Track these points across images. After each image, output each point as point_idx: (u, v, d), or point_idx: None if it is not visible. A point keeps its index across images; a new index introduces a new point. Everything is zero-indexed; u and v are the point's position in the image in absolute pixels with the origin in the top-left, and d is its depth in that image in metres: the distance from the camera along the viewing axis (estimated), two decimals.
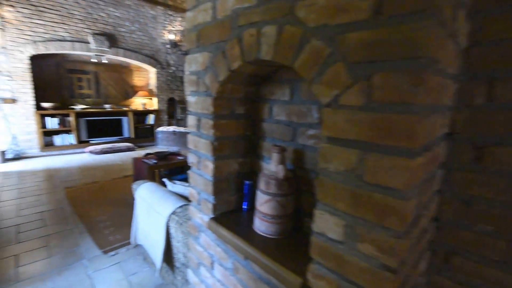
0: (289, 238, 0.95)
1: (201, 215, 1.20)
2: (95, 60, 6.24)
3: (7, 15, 4.97)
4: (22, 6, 5.10)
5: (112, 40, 6.19)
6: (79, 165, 5.11)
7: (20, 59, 5.17)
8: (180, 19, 7.28)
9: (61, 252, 2.35)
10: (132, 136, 6.85)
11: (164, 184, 2.29)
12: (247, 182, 1.16)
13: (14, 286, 1.93)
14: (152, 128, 7.24)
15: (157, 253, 1.72)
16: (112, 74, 6.69)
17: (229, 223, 1.06)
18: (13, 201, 3.39)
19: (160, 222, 1.67)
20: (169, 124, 7.54)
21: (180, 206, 1.64)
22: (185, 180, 3.77)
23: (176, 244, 1.56)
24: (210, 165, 1.10)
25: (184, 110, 7.67)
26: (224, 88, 1.04)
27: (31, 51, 5.26)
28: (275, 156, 0.95)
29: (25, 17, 5.15)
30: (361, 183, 0.65)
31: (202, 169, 1.16)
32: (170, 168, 3.67)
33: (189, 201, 1.76)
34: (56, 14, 5.45)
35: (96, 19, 5.96)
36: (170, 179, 3.45)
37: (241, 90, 1.11)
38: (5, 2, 4.93)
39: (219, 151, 1.10)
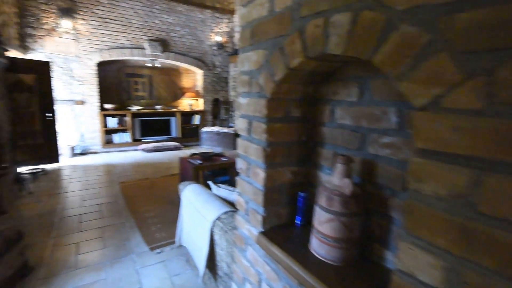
0: (355, 268, 0.78)
1: (249, 227, 1.09)
2: (150, 65, 6.62)
3: (80, 27, 5.50)
4: (92, 19, 5.60)
5: (164, 45, 6.51)
6: (132, 162, 5.45)
7: (89, 66, 5.69)
8: (226, 20, 7.38)
9: (114, 244, 2.46)
10: (179, 135, 7.13)
11: (209, 187, 2.25)
12: (301, 194, 1.02)
13: (74, 273, 2.05)
14: (197, 128, 7.45)
15: (200, 258, 1.67)
16: (164, 77, 7.04)
17: (281, 240, 0.93)
18: (78, 192, 3.70)
19: (205, 227, 1.61)
20: (213, 125, 7.70)
21: (225, 212, 1.56)
22: (229, 182, 3.75)
23: (220, 252, 1.48)
24: (261, 173, 0.99)
25: (228, 110, 7.76)
26: (280, 88, 0.91)
27: (98, 58, 5.75)
28: (339, 167, 0.79)
29: (94, 28, 5.65)
30: (475, 214, 0.47)
31: (252, 176, 1.05)
32: (214, 169, 3.67)
33: (234, 207, 1.67)
34: (118, 24, 5.90)
35: (151, 26, 6.31)
36: (214, 182, 3.45)
37: (299, 90, 0.98)
38: (78, 16, 5.46)
39: (271, 158, 0.98)
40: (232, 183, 3.70)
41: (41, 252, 2.28)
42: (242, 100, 1.09)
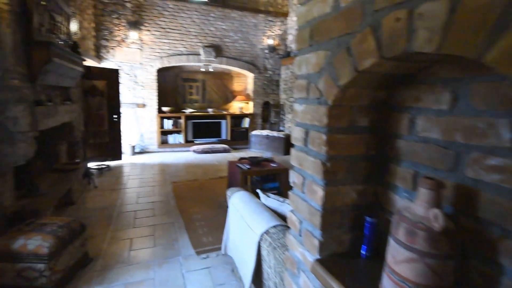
0: None
1: (303, 250, 0.97)
2: (203, 69, 6.92)
3: (144, 38, 6.02)
4: (155, 30, 6.09)
5: (218, 50, 6.74)
6: (184, 162, 5.72)
7: (151, 72, 6.18)
8: (279, 23, 7.35)
9: (163, 243, 2.54)
10: (228, 138, 7.29)
11: (257, 194, 2.17)
12: (368, 219, 0.86)
13: (126, 268, 2.16)
14: (246, 131, 7.53)
15: (246, 272, 1.59)
16: (216, 81, 7.30)
17: (343, 273, 0.79)
18: (135, 189, 3.99)
19: (251, 239, 1.53)
20: (263, 128, 7.69)
21: (275, 226, 1.46)
22: (277, 189, 3.65)
23: (268, 270, 1.38)
24: (319, 191, 0.86)
25: (278, 114, 7.68)
26: (344, 94, 0.78)
27: (158, 65, 6.22)
28: (425, 193, 0.63)
29: (156, 38, 6.13)
30: None
31: (308, 193, 0.93)
32: (262, 175, 3.61)
33: (285, 220, 1.56)
34: (177, 33, 6.30)
35: (207, 33, 6.60)
36: (262, 188, 3.38)
37: (367, 95, 0.83)
38: (144, 28, 5.98)
39: (332, 174, 0.85)
40: (281, 191, 3.59)
41: (100, 244, 2.47)
42: (298, 107, 0.98)
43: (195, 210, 3.32)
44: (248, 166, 3.37)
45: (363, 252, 0.88)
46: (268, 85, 7.58)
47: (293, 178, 1.03)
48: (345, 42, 0.74)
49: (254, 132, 7.14)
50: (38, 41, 2.19)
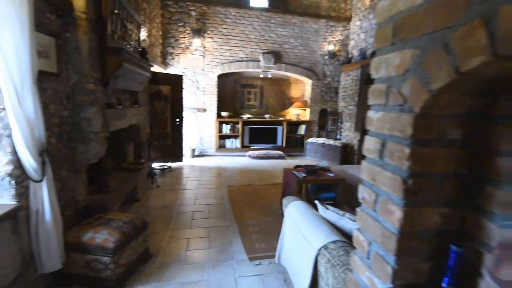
0: None
1: (370, 275, 0.87)
2: (262, 76, 7.06)
3: (207, 45, 6.44)
4: (217, 37, 6.46)
5: (277, 56, 6.81)
6: (239, 167, 5.87)
7: (211, 78, 6.56)
8: (341, 28, 7.09)
9: (217, 246, 2.62)
10: (284, 145, 7.25)
11: (313, 204, 2.08)
12: (454, 248, 0.73)
13: (182, 268, 2.27)
14: (302, 138, 7.40)
15: (300, 286, 1.52)
16: (274, 87, 7.36)
17: None
18: (193, 190, 4.23)
19: (308, 253, 1.46)
20: (319, 136, 7.47)
21: (334, 242, 1.36)
22: (333, 199, 3.47)
23: (324, 287, 1.29)
24: (397, 212, 0.76)
25: (336, 122, 7.38)
26: (437, 101, 0.68)
27: (219, 71, 6.57)
28: None
29: (218, 45, 6.50)
30: None
31: (381, 213, 0.84)
32: (318, 184, 3.48)
33: (346, 236, 1.45)
34: (238, 40, 6.57)
35: (267, 39, 6.73)
36: (318, 199, 3.25)
37: (463, 103, 0.71)
38: (206, 35, 6.40)
39: (413, 194, 0.74)
40: (336, 202, 3.40)
41: (160, 241, 2.66)
42: (374, 114, 0.89)
43: (249, 215, 3.36)
44: (304, 175, 3.28)
45: (444, 285, 0.75)
46: (326, 92, 7.35)
47: (363, 193, 0.94)
48: (441, 37, 0.64)
49: (309, 140, 6.98)
50: (111, 47, 2.39)
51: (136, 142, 4.03)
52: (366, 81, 6.17)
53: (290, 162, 6.47)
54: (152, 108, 5.27)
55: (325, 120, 7.48)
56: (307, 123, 7.32)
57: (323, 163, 5.62)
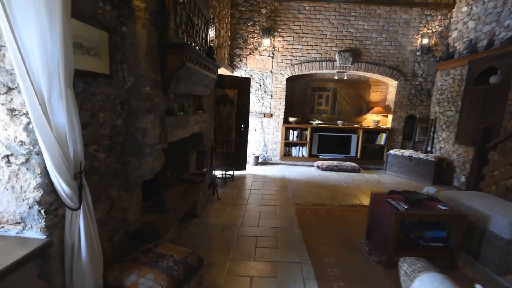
0: None
1: None
2: (336, 77, 6.21)
3: (277, 44, 5.92)
4: (288, 35, 5.89)
5: (356, 55, 5.89)
6: (307, 179, 5.16)
7: (280, 81, 6.01)
8: (440, 17, 5.75)
9: None
10: (358, 156, 6.25)
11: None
12: None
13: None
14: (381, 149, 6.28)
15: None
16: (349, 90, 6.42)
17: None
18: (256, 207, 3.70)
19: None
20: (403, 147, 6.23)
21: None
22: (445, 242, 2.50)
23: None
24: None
25: (426, 131, 6.04)
26: None
27: (289, 73, 5.98)
28: None
29: (289, 44, 5.91)
30: None
31: None
32: (421, 220, 2.56)
33: None
34: (311, 38, 5.88)
35: (345, 36, 5.87)
36: (421, 236, 2.35)
37: None
38: (277, 34, 5.88)
39: None
40: (449, 246, 2.44)
41: (218, 277, 2.17)
42: None
43: (325, 249, 2.65)
44: (405, 206, 2.41)
45: None
46: (415, 95, 6.07)
47: None
48: None
49: (392, 151, 5.84)
50: (173, 43, 2.00)
51: (199, 150, 3.70)
52: (475, 80, 4.80)
53: (367, 178, 5.47)
54: (217, 113, 4.97)
55: (413, 128, 6.20)
56: (389, 131, 6.17)
57: (408, 181, 4.49)
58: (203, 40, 3.02)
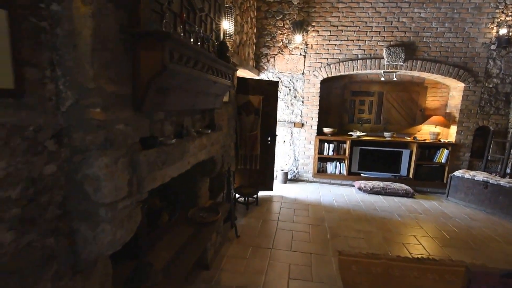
0: None
1: None
2: (383, 79, 5.15)
3: (310, 40, 5.02)
4: (324, 29, 4.97)
5: (409, 50, 4.81)
6: (348, 207, 4.18)
7: (313, 84, 5.10)
8: None
9: None
10: (411, 175, 5.13)
11: None
12: None
13: None
14: (442, 168, 5.10)
15: None
16: (399, 94, 5.32)
17: None
18: (284, 253, 2.83)
19: None
20: (471, 167, 5.00)
21: None
22: None
23: None
24: None
25: (503, 147, 4.78)
26: None
27: (324, 74, 5.05)
28: None
29: (325, 40, 4.99)
30: None
31: None
32: None
33: None
34: (352, 31, 4.91)
35: (396, 27, 4.81)
36: None
37: None
38: (311, 29, 4.98)
39: None
40: None
41: None
42: None
43: None
44: None
45: None
46: (489, 101, 4.84)
47: None
48: None
49: (458, 173, 4.66)
50: (148, 32, 1.23)
51: (213, 176, 2.92)
52: None
53: (425, 206, 4.36)
54: (239, 124, 4.19)
55: (484, 143, 4.96)
56: (452, 146, 4.98)
57: (482, 215, 3.39)
58: (213, 33, 2.23)
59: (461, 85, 4.89)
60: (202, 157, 2.15)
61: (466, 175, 4.55)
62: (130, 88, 1.27)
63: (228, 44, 2.47)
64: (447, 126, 5.12)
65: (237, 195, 4.06)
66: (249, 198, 4.06)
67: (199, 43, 1.87)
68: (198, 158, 2.05)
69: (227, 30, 3.01)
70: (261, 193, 4.51)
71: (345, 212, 4.02)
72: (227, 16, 2.84)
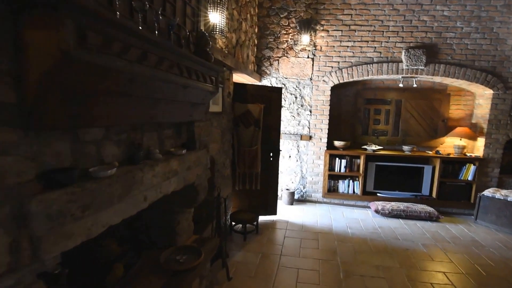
0: None
1: None
2: (402, 85, 4.84)
3: (319, 41, 4.70)
4: (335, 29, 4.64)
5: (431, 53, 4.50)
6: (364, 235, 3.82)
7: (323, 91, 4.76)
8: None
9: None
10: (433, 195, 4.79)
11: None
12: None
13: None
14: (468, 186, 4.78)
15: None
16: (418, 103, 5.01)
17: None
18: None
19: None
20: (501, 184, 4.69)
21: None
22: None
23: None
24: None
25: None
26: None
27: (334, 80, 4.72)
28: None
29: (335, 41, 4.67)
30: None
31: None
32: None
33: None
34: (366, 31, 4.59)
35: (416, 27, 4.51)
36: None
37: None
38: (320, 28, 4.66)
39: None
40: None
41: None
42: None
43: None
44: None
45: None
46: None
47: None
48: None
49: (487, 193, 4.33)
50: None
51: (195, 206, 2.54)
52: None
53: (453, 233, 4.03)
54: (236, 137, 3.84)
55: None
56: (479, 161, 4.66)
57: None
58: (189, 23, 1.89)
59: (489, 92, 4.58)
60: (172, 188, 1.78)
61: (498, 195, 4.23)
62: (14, 94, 0.89)
63: (206, 36, 2.09)
64: (473, 138, 4.81)
65: (233, 223, 3.68)
66: (248, 225, 3.69)
67: (157, 31, 1.51)
68: (164, 190, 1.68)
69: (217, 25, 2.64)
70: (263, 218, 4.15)
71: (361, 242, 3.66)
72: (218, 8, 2.49)
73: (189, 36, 2.07)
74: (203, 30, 2.24)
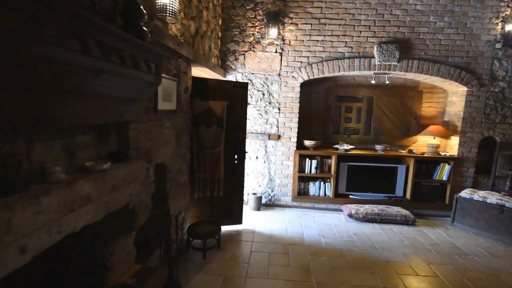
0: None
1: None
2: (374, 82, 4.15)
3: (288, 35, 3.93)
4: (304, 22, 3.90)
5: (404, 48, 3.84)
6: (339, 246, 3.05)
7: (292, 87, 3.99)
8: None
9: None
10: (407, 196, 4.11)
11: None
12: None
13: None
14: (443, 187, 4.13)
15: None
16: (391, 100, 4.34)
17: None
18: None
19: None
20: (476, 185, 4.07)
21: None
22: None
23: None
24: None
25: None
26: None
27: (304, 75, 3.96)
28: None
29: (305, 35, 3.92)
30: None
31: None
32: None
33: None
34: (337, 25, 3.88)
35: (388, 21, 3.84)
36: None
37: None
38: (288, 21, 3.90)
39: None
40: None
41: None
42: None
43: None
44: None
45: None
46: (495, 107, 3.95)
47: None
48: None
49: (464, 194, 3.69)
50: None
51: (137, 230, 1.67)
52: None
53: (432, 238, 3.34)
54: (195, 138, 2.98)
55: (491, 157, 4.05)
56: (454, 161, 4.02)
57: (495, 243, 2.38)
58: None
59: (462, 89, 3.97)
60: (83, 222, 0.96)
61: (476, 197, 3.58)
62: None
63: (142, 10, 1.28)
64: (446, 137, 4.17)
65: (191, 238, 2.80)
66: (211, 237, 2.81)
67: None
68: (67, 228, 0.85)
69: (168, 4, 1.85)
70: (227, 228, 3.30)
71: (337, 254, 2.88)
72: None
73: (115, 5, 1.21)
74: (135, 2, 1.38)
